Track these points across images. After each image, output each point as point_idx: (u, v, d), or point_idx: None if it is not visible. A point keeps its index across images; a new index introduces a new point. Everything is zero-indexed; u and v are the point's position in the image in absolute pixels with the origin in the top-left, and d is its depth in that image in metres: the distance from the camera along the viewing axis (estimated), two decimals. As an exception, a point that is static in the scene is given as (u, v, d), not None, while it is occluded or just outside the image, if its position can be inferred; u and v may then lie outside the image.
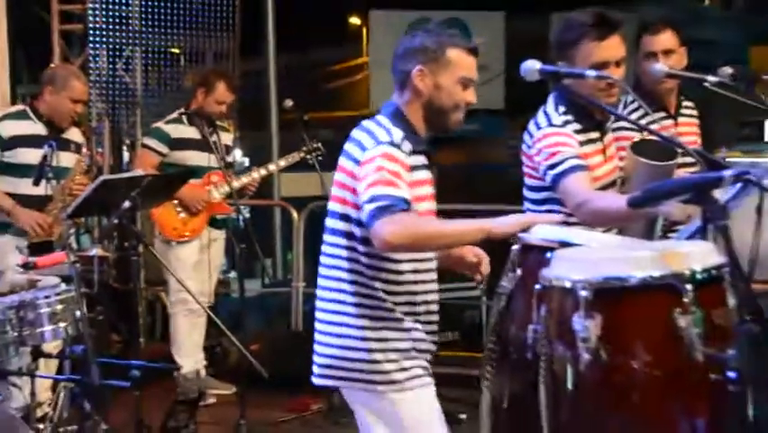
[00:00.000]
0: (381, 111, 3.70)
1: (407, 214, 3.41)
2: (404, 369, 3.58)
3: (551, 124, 4.04)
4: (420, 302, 3.64)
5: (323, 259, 3.72)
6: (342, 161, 3.64)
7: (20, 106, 6.60)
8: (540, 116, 4.11)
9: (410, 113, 3.65)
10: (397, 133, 3.55)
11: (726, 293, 3.06)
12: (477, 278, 3.87)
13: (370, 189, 3.42)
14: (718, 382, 2.95)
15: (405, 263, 3.60)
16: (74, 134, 6.49)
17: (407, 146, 3.54)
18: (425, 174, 3.67)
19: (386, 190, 3.40)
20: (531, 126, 4.12)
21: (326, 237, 3.70)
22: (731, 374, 2.91)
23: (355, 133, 3.64)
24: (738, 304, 3.03)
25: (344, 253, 3.62)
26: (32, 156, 6.23)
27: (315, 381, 3.77)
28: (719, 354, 2.96)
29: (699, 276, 3.02)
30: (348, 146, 3.63)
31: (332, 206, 3.68)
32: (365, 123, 3.67)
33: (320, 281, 3.73)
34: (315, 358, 3.72)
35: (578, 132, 4.05)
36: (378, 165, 3.46)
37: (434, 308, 3.72)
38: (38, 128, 6.31)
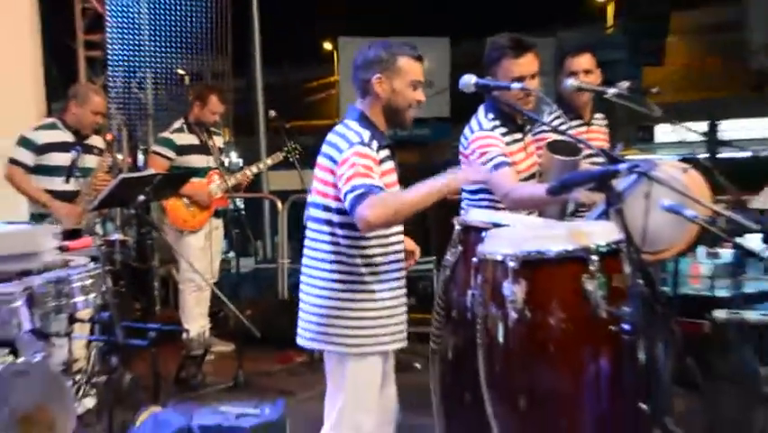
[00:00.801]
0: (347, 116, 3.66)
1: (381, 194, 3.38)
2: (362, 334, 3.57)
3: (482, 129, 4.05)
4: (389, 270, 3.61)
5: (307, 242, 3.69)
6: (320, 160, 3.60)
7: (51, 119, 6.56)
8: (473, 122, 4.11)
9: (373, 115, 3.63)
10: (366, 134, 3.52)
11: (623, 262, 3.12)
12: (409, 263, 3.80)
13: (348, 182, 3.40)
14: (617, 333, 3.01)
15: (375, 244, 3.57)
16: (96, 141, 6.47)
17: (375, 144, 3.51)
18: (391, 164, 3.64)
19: (362, 180, 3.38)
20: (466, 131, 4.12)
21: (309, 224, 3.67)
22: (626, 326, 2.99)
23: (330, 136, 3.60)
24: (632, 271, 3.11)
25: (326, 237, 3.59)
26: (62, 159, 6.22)
27: (300, 341, 3.74)
28: (618, 310, 3.03)
29: (602, 249, 3.08)
30: (325, 148, 3.59)
31: (313, 198, 3.64)
32: (337, 128, 3.63)
33: (304, 261, 3.69)
34: (300, 322, 3.70)
35: (504, 134, 4.06)
36: (352, 162, 3.43)
37: (401, 275, 3.69)
38: (66, 136, 6.28)
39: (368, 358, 3.60)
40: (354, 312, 3.57)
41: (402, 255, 3.71)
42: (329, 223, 3.59)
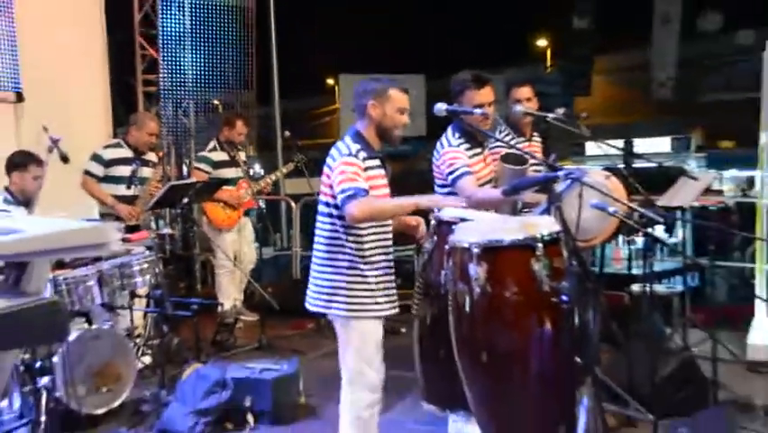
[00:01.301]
0: (347, 133, 3.65)
1: (366, 197, 3.41)
2: (361, 303, 3.55)
3: (450, 145, 4.03)
4: (378, 256, 3.59)
5: (316, 231, 3.68)
6: (324, 169, 3.59)
7: (116, 139, 6.54)
8: (443, 139, 4.08)
9: (366, 133, 3.61)
10: (355, 147, 3.52)
11: (562, 248, 3.11)
12: (418, 235, 3.80)
13: (340, 185, 3.42)
14: (557, 303, 3.01)
15: (368, 233, 3.56)
16: (151, 156, 6.44)
17: (363, 155, 3.51)
18: (380, 171, 3.62)
19: (350, 184, 3.41)
20: (438, 146, 4.09)
21: (318, 217, 3.66)
22: (564, 298, 2.98)
23: (332, 150, 3.60)
24: (568, 255, 3.09)
25: (329, 226, 3.59)
26: (124, 171, 6.22)
27: (309, 307, 3.71)
28: (558, 285, 3.02)
29: (545, 238, 3.06)
30: (328, 159, 3.59)
31: (321, 198, 3.64)
32: (337, 143, 3.63)
33: (315, 245, 3.68)
34: (309, 292, 3.69)
35: (467, 149, 4.04)
36: (342, 170, 3.45)
37: (390, 258, 3.67)
38: (128, 153, 6.26)
39: (367, 321, 3.58)
40: (351, 285, 3.56)
41: (390, 240, 3.68)
42: (330, 216, 3.59)
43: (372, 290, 3.57)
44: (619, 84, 21.46)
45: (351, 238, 3.55)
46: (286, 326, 6.97)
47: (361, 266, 3.55)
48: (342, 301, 3.57)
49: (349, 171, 3.45)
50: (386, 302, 3.62)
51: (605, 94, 20.64)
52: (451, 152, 3.99)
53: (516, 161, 4.11)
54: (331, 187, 3.52)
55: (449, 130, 4.11)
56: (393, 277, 3.68)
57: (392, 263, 3.69)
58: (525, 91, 4.76)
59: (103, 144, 6.43)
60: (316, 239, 3.69)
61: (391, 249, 3.70)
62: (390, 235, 3.69)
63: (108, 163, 6.19)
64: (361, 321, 3.57)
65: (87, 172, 6.17)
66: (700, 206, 9.88)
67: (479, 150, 4.12)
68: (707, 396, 4.50)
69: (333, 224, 3.58)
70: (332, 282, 3.59)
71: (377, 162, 3.61)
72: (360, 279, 3.56)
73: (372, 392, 3.60)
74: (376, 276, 3.58)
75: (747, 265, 7.16)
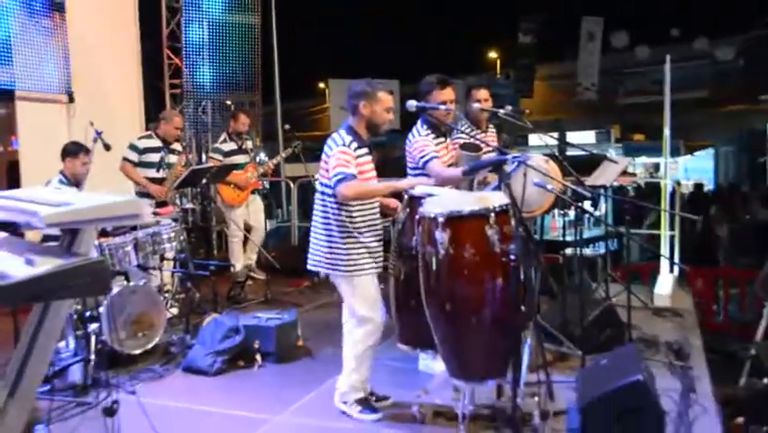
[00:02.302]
0: (341, 127, 3.61)
1: (354, 180, 3.40)
2: (357, 263, 3.53)
3: (420, 135, 4.00)
4: (367, 226, 3.56)
5: (315, 206, 3.65)
6: (323, 156, 3.56)
7: (148, 132, 6.45)
8: (414, 131, 4.06)
9: (357, 127, 3.58)
10: (347, 138, 3.49)
11: (510, 217, 3.12)
12: (395, 214, 3.76)
13: (334, 170, 3.41)
14: (507, 262, 3.02)
15: (357, 210, 3.52)
16: (177, 146, 6.36)
17: (354, 145, 3.49)
18: (369, 158, 3.59)
19: (342, 169, 3.40)
20: (409, 136, 4.07)
21: (317, 196, 3.62)
22: (512, 257, 2.99)
23: (328, 140, 3.56)
24: (515, 223, 3.10)
25: (323, 203, 3.57)
26: (155, 157, 6.13)
27: (310, 267, 3.68)
28: (507, 247, 3.03)
29: (497, 209, 3.07)
30: (325, 147, 3.55)
31: (320, 179, 3.61)
32: (333, 134, 3.59)
33: (313, 219, 3.65)
34: (311, 256, 3.65)
35: (433, 139, 4.01)
36: (337, 157, 3.43)
37: (378, 228, 3.63)
38: (157, 143, 6.17)
39: (365, 277, 3.57)
40: (348, 249, 3.53)
41: (377, 213, 3.65)
42: (325, 194, 3.56)
43: (363, 251, 3.55)
44: (554, 88, 21.48)
45: (344, 213, 3.53)
46: (286, 283, 6.95)
47: (355, 234, 3.53)
48: (342, 264, 3.55)
49: (342, 159, 3.44)
50: (377, 261, 3.62)
51: (543, 96, 20.65)
52: (421, 141, 3.96)
53: (472, 149, 4.10)
54: (328, 171, 3.49)
55: (418, 123, 4.08)
56: (381, 243, 3.66)
57: (380, 234, 3.66)
58: (483, 93, 4.72)
59: (137, 136, 6.35)
60: (315, 214, 3.65)
61: (379, 222, 3.67)
62: (378, 213, 3.67)
63: (142, 151, 6.11)
64: (361, 277, 3.56)
65: (125, 159, 6.08)
66: (619, 185, 9.98)
67: (442, 139, 4.10)
68: (623, 336, 4.56)
69: (327, 201, 3.56)
70: (331, 249, 3.56)
71: (365, 151, 3.58)
72: (354, 243, 3.53)
73: (378, 330, 3.63)
74: (366, 240, 3.56)
75: (654, 232, 7.23)
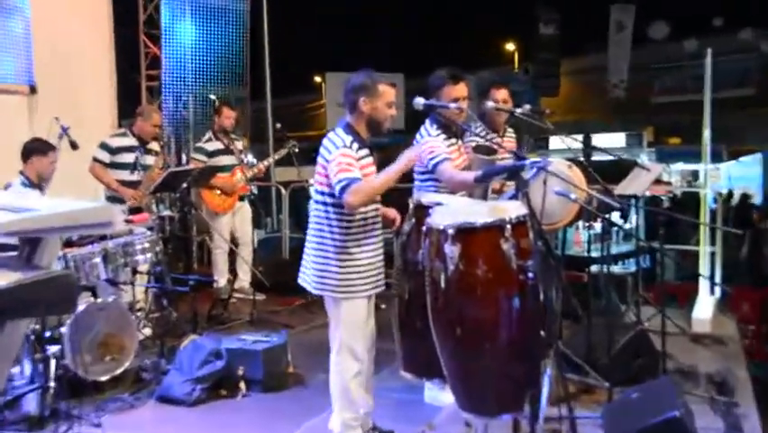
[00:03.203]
0: (338, 125, 3.60)
1: (359, 183, 3.38)
2: (352, 283, 3.52)
3: (430, 135, 4.01)
4: (366, 238, 3.55)
5: (311, 217, 3.64)
6: (319, 159, 3.55)
7: (123, 129, 6.50)
8: (423, 130, 4.07)
9: (357, 125, 3.57)
10: (348, 139, 3.48)
11: (528, 230, 3.11)
12: (393, 226, 3.78)
13: (337, 175, 3.39)
14: (524, 280, 3.01)
15: (356, 218, 3.51)
16: (154, 145, 6.39)
17: (356, 146, 3.48)
18: (370, 159, 3.59)
19: (345, 174, 3.38)
20: (417, 136, 4.08)
21: (312, 204, 3.63)
22: (530, 275, 2.98)
23: (325, 141, 3.55)
24: (534, 236, 3.10)
25: (322, 213, 3.55)
26: (129, 158, 6.16)
27: (301, 282, 3.68)
28: (524, 263, 3.02)
29: (514, 220, 3.05)
30: (321, 150, 3.54)
31: (315, 186, 3.60)
32: (330, 135, 3.58)
33: (309, 229, 3.64)
34: (303, 270, 3.65)
35: (445, 140, 4.03)
36: (338, 161, 3.42)
37: (379, 240, 3.63)
38: (132, 141, 6.21)
39: (355, 301, 3.56)
40: (341, 267, 3.52)
41: (379, 225, 3.65)
42: (324, 203, 3.56)
43: (360, 271, 3.55)
44: (579, 85, 21.54)
45: (343, 223, 3.52)
46: (275, 302, 6.94)
47: (352, 249, 3.52)
48: (332, 284, 3.54)
49: (344, 163, 3.42)
50: (374, 281, 3.60)
51: (567, 93, 20.71)
52: (431, 141, 3.97)
53: (486, 152, 4.11)
54: (326, 177, 3.48)
55: (427, 122, 4.09)
56: (382, 257, 3.65)
57: (381, 245, 3.66)
58: (503, 93, 4.72)
59: (110, 134, 6.39)
60: (311, 224, 3.65)
61: (380, 231, 3.67)
62: (379, 219, 3.67)
63: (115, 151, 6.15)
64: (350, 301, 3.55)
65: (95, 159, 6.12)
66: (651, 195, 9.98)
67: (454, 140, 4.11)
68: (657, 366, 4.53)
69: (326, 211, 3.55)
70: (324, 265, 3.56)
71: (367, 152, 3.58)
72: (349, 261, 3.53)
73: (358, 362, 3.59)
74: (365, 257, 3.55)
75: (692, 248, 7.22)
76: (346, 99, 3.63)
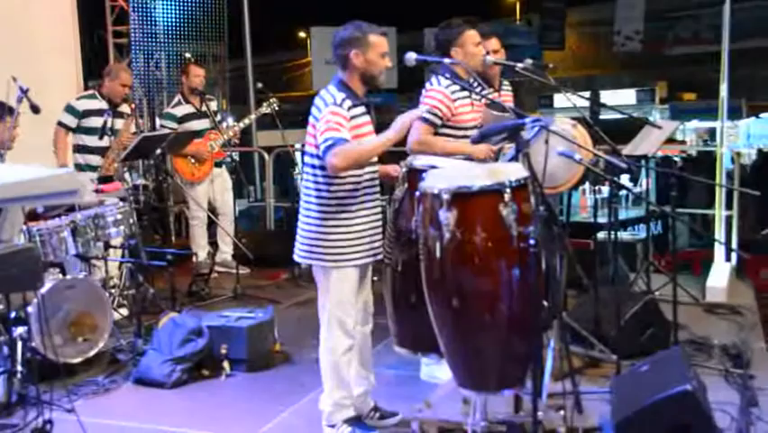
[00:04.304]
0: (331, 82, 3.58)
1: (344, 144, 3.36)
2: (343, 251, 3.53)
3: (440, 85, 4.11)
4: (360, 202, 3.56)
5: (303, 181, 3.65)
6: (310, 119, 3.54)
7: (90, 91, 6.44)
8: (433, 79, 4.14)
9: (350, 81, 3.55)
10: (340, 96, 3.46)
11: (529, 194, 3.12)
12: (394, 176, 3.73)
13: (323, 135, 3.38)
14: (525, 247, 3.02)
15: (348, 182, 3.51)
16: (124, 108, 6.35)
17: (347, 103, 3.46)
18: (366, 118, 3.58)
19: (331, 134, 3.36)
20: (427, 84, 4.15)
21: (305, 168, 3.62)
22: (532, 242, 3.00)
23: (316, 99, 3.55)
24: (535, 200, 3.10)
25: (311, 177, 3.55)
26: (97, 122, 6.13)
27: (296, 258, 3.69)
28: (525, 229, 3.03)
29: (513, 184, 3.06)
30: (312, 109, 3.54)
31: (307, 149, 3.60)
32: (321, 92, 3.56)
33: (301, 195, 3.65)
34: (296, 243, 3.65)
35: (454, 92, 4.08)
36: (327, 119, 3.40)
37: (375, 205, 3.63)
38: (101, 104, 6.17)
39: (345, 270, 3.56)
40: (331, 235, 3.53)
41: (375, 190, 3.65)
42: (314, 166, 3.55)
43: (352, 238, 3.55)
44: (586, 38, 21.40)
45: (332, 188, 3.52)
46: (260, 275, 6.96)
47: (342, 215, 3.53)
48: (320, 252, 3.55)
49: (333, 121, 3.41)
50: (367, 249, 3.60)
51: (572, 47, 20.59)
52: (432, 92, 4.11)
53: (499, 108, 4.13)
54: (315, 137, 3.48)
55: (433, 78, 4.17)
56: (379, 224, 3.65)
57: (378, 210, 3.66)
58: (493, 43, 4.74)
59: (76, 96, 6.33)
60: (302, 189, 3.66)
61: (377, 196, 3.67)
62: (376, 183, 3.66)
63: (82, 115, 6.11)
64: (340, 270, 3.56)
65: (60, 123, 6.08)
66: (663, 155, 9.99)
67: (466, 93, 4.14)
68: (668, 337, 4.58)
69: (315, 175, 3.55)
70: (311, 233, 3.57)
71: (363, 110, 3.57)
72: (340, 228, 3.53)
73: (348, 337, 3.62)
74: (356, 223, 3.56)
75: (708, 212, 7.25)
76: (336, 55, 3.61)
